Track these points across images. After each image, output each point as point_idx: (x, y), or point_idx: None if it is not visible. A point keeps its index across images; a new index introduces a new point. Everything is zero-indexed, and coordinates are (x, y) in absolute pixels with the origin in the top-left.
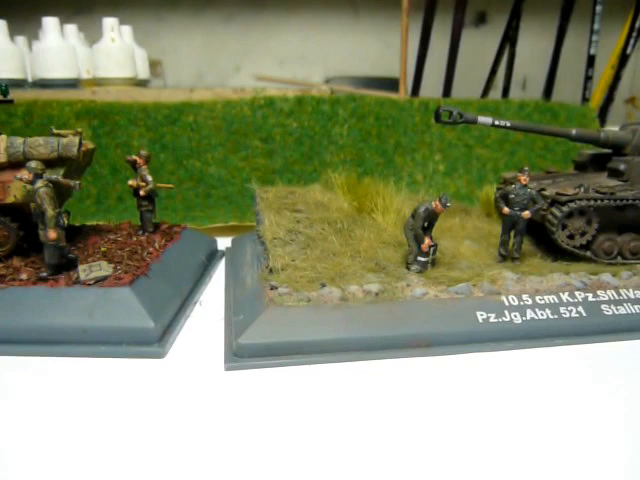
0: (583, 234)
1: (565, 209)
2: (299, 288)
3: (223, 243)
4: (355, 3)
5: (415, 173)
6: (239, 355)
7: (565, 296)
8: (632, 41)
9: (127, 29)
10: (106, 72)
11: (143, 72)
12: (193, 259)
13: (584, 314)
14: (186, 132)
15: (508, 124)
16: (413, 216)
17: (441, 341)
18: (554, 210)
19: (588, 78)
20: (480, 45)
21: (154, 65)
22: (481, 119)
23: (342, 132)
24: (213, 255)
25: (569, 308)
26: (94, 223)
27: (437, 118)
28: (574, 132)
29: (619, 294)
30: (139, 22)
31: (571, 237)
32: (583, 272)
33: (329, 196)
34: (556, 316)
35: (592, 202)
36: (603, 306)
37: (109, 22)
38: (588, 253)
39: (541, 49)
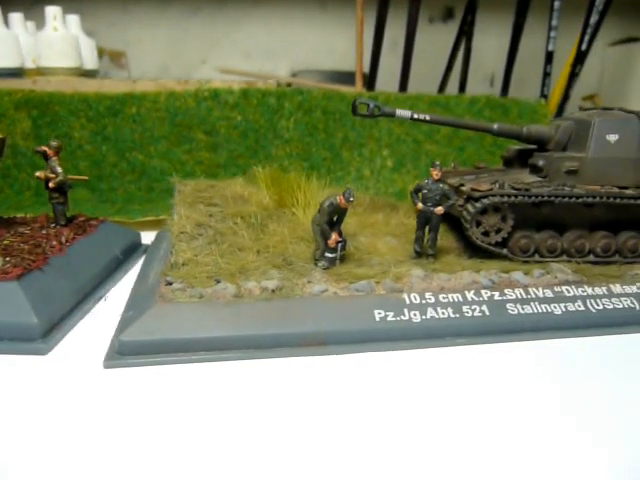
0: (498, 231)
1: (478, 205)
2: (195, 284)
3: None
4: None
5: (363, 168)
6: (121, 352)
7: (470, 294)
8: (587, 37)
9: (74, 18)
10: (48, 61)
11: (91, 62)
12: (105, 253)
13: (487, 313)
14: (129, 124)
15: (427, 117)
16: (320, 211)
17: (335, 340)
18: (468, 206)
19: (546, 75)
20: (448, 41)
21: (118, 56)
22: (399, 112)
23: (288, 126)
24: (134, 250)
25: (473, 307)
26: (11, 215)
27: (354, 111)
28: (495, 127)
29: (527, 293)
30: (104, 13)
31: (486, 234)
32: (495, 270)
33: (251, 190)
34: (458, 315)
35: (506, 198)
36: (509, 305)
37: (51, 10)
38: (504, 251)
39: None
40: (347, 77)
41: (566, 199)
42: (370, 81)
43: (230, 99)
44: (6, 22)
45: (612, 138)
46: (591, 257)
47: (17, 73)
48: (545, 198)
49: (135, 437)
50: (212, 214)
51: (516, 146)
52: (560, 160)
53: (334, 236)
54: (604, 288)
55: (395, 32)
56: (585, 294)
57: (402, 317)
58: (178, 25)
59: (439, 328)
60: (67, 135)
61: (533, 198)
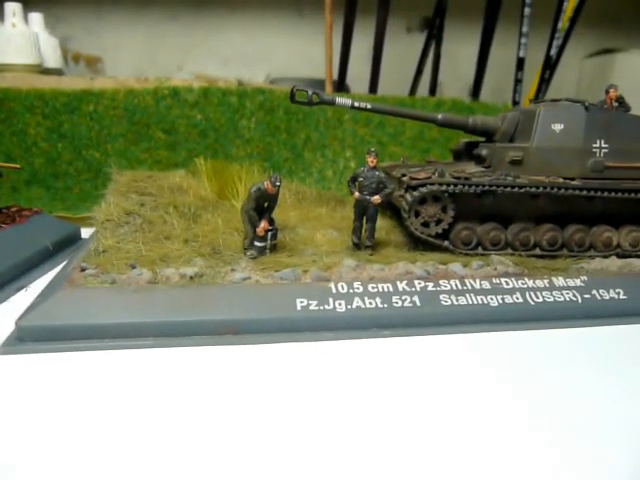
0: (439, 222)
1: (416, 194)
2: (111, 270)
3: None
4: (300, 4)
5: (325, 169)
6: (20, 338)
7: (402, 285)
8: (555, 42)
9: (36, 16)
10: (6, 58)
11: (53, 61)
12: (33, 244)
13: (418, 304)
14: (86, 121)
15: (368, 106)
16: (247, 197)
17: (250, 329)
18: (407, 195)
19: (518, 81)
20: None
21: (94, 62)
22: (339, 100)
23: (249, 125)
24: (70, 243)
25: (403, 297)
26: None
27: (292, 98)
28: (440, 117)
29: (463, 284)
30: (80, 18)
31: (426, 225)
32: (433, 261)
33: (191, 182)
34: (386, 305)
35: (444, 187)
36: (442, 296)
37: (10, 7)
38: (446, 243)
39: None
40: (323, 85)
41: (508, 189)
42: (340, 86)
43: (190, 98)
44: None
45: (557, 127)
46: (537, 251)
47: None
48: (486, 188)
49: (22, 425)
50: (144, 203)
51: (466, 139)
52: (504, 150)
53: (263, 224)
54: (546, 281)
55: (371, 41)
56: (525, 286)
57: (326, 306)
58: (155, 31)
59: (365, 318)
60: (22, 132)
61: (474, 187)
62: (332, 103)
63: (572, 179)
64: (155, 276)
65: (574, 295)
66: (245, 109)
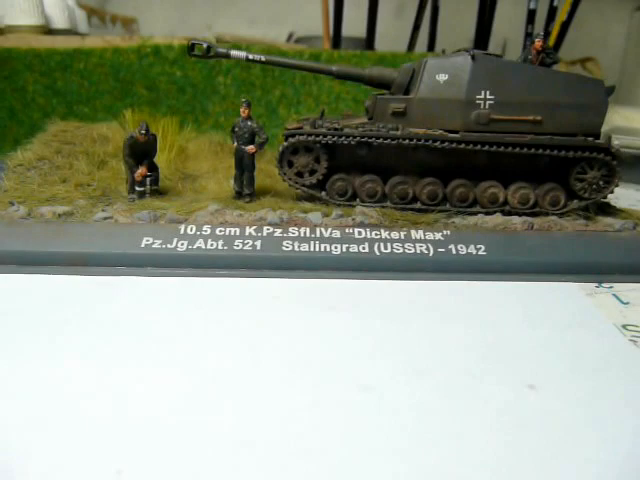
0: (312, 172)
1: (285, 144)
2: None
3: None
4: None
5: None
6: None
7: (250, 230)
8: None
9: None
10: (12, 20)
11: (61, 21)
12: None
13: (258, 248)
14: (77, 78)
15: (263, 58)
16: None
17: (97, 262)
18: (279, 146)
19: (528, 34)
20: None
21: (129, 22)
22: (234, 53)
23: (226, 82)
24: None
25: (246, 241)
26: None
27: (190, 51)
28: (334, 68)
29: (313, 232)
30: None
31: (300, 175)
32: (296, 210)
33: (116, 133)
34: (226, 247)
35: (313, 138)
36: (285, 242)
37: None
38: (323, 193)
39: (522, 11)
40: (348, 43)
41: (380, 140)
42: (335, 40)
43: (170, 55)
44: None
45: (442, 78)
46: (418, 204)
47: None
48: (357, 139)
49: None
50: (60, 150)
51: (377, 93)
52: (385, 101)
53: (141, 170)
54: (402, 233)
55: None
56: (377, 237)
57: (168, 245)
58: None
59: (203, 258)
60: (23, 88)
61: (344, 138)
62: (227, 56)
63: (456, 132)
64: (30, 212)
65: (427, 248)
66: (222, 66)
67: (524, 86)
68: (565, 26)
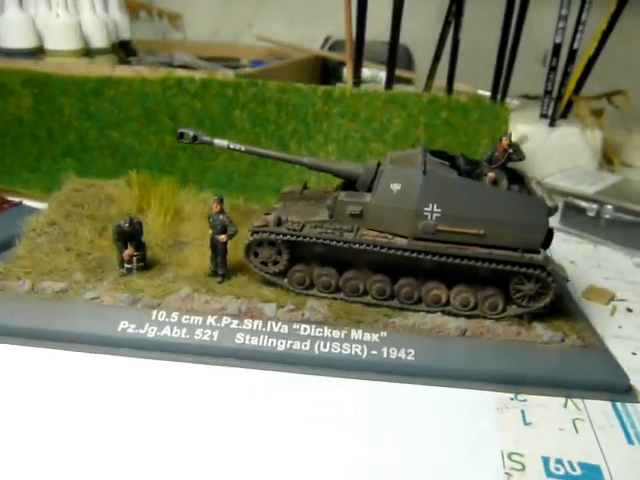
0: (275, 263)
1: (250, 238)
2: (7, 277)
3: None
4: None
5: None
6: None
7: (211, 319)
8: (578, 35)
9: None
10: (52, 45)
11: (100, 41)
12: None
13: (215, 339)
14: (107, 104)
15: (243, 148)
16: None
17: (82, 341)
18: (246, 239)
19: (552, 69)
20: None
21: (175, 18)
22: (217, 141)
23: (242, 116)
24: None
25: (205, 331)
26: None
27: (179, 138)
28: (306, 160)
29: (265, 326)
30: None
31: (265, 264)
32: (255, 299)
33: (123, 193)
34: (188, 336)
35: (273, 236)
36: (239, 334)
37: None
38: (285, 281)
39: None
40: (384, 48)
41: (334, 243)
42: (358, 53)
43: (191, 88)
44: (20, 3)
45: (395, 188)
46: (368, 298)
47: (34, 53)
48: (313, 240)
49: None
50: (70, 214)
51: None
52: (344, 204)
53: (128, 251)
54: (344, 332)
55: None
56: (320, 335)
57: (140, 331)
58: None
59: (168, 345)
60: (60, 111)
61: (301, 239)
62: (211, 144)
63: (406, 237)
64: (33, 286)
65: (361, 350)
66: (239, 100)
67: (470, 202)
68: (591, 62)
